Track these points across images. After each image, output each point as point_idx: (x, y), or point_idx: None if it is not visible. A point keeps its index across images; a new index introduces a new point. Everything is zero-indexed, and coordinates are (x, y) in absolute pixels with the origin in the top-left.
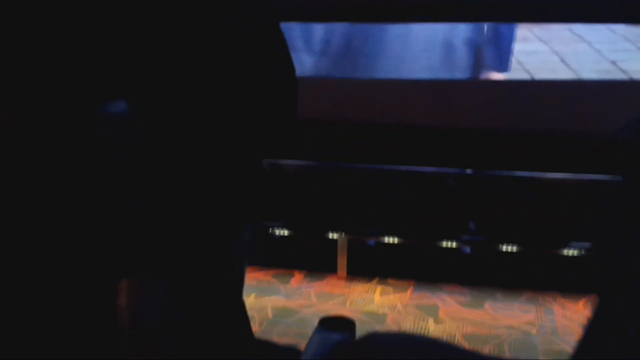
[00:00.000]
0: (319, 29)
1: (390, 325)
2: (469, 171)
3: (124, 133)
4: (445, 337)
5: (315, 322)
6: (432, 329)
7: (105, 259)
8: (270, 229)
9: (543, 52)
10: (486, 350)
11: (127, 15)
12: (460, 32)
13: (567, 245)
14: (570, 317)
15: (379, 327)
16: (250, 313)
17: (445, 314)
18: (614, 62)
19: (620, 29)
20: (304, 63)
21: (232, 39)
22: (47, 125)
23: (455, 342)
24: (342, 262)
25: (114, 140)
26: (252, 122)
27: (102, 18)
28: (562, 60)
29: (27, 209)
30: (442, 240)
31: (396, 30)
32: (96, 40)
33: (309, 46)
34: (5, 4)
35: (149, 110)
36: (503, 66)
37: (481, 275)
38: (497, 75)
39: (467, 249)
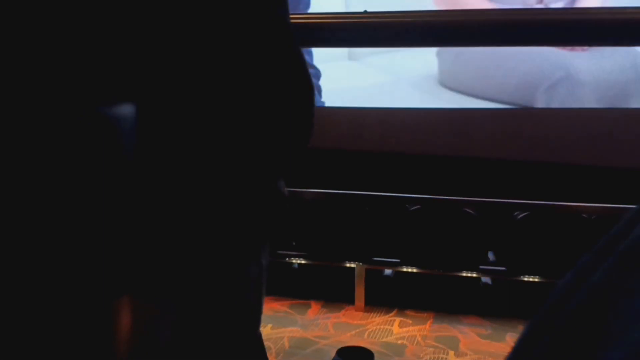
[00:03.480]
0: None
1: (409, 357)
2: (488, 200)
3: (133, 137)
4: None
5: (333, 353)
6: None
7: (110, 272)
8: (287, 257)
9: None
10: None
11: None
12: None
13: None
14: None
15: (397, 359)
16: (266, 344)
17: (466, 347)
18: None
19: None
20: None
21: (249, 55)
22: (52, 131)
23: None
24: (359, 292)
25: (123, 146)
26: (266, 138)
27: (118, 23)
28: None
29: (29, 213)
30: (461, 270)
31: None
32: (113, 45)
33: None
34: (12, 9)
35: (159, 117)
36: None
37: (502, 306)
38: None
39: (487, 280)
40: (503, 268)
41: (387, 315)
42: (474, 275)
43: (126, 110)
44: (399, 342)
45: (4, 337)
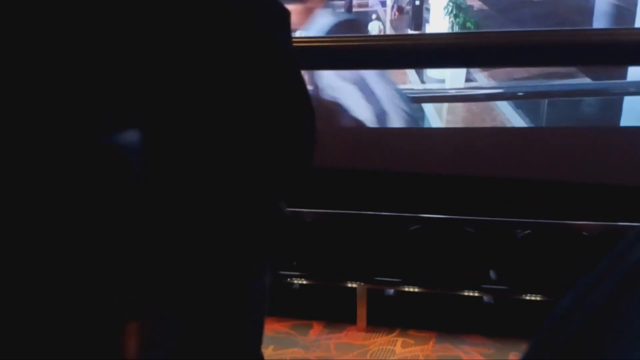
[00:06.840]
0: None
1: None
2: (489, 218)
3: (139, 161)
4: None
5: None
6: None
7: (116, 288)
8: (288, 278)
9: None
10: None
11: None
12: None
13: None
14: None
15: None
16: None
17: None
18: None
19: None
20: None
21: (251, 79)
22: (62, 149)
23: None
24: (361, 312)
25: (130, 168)
26: (267, 159)
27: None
28: None
29: (39, 232)
30: (463, 289)
31: None
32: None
33: None
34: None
35: (163, 138)
36: None
37: (505, 325)
38: None
39: (489, 299)
40: (505, 287)
41: (390, 336)
42: (476, 294)
43: (132, 137)
44: None
45: (10, 347)
